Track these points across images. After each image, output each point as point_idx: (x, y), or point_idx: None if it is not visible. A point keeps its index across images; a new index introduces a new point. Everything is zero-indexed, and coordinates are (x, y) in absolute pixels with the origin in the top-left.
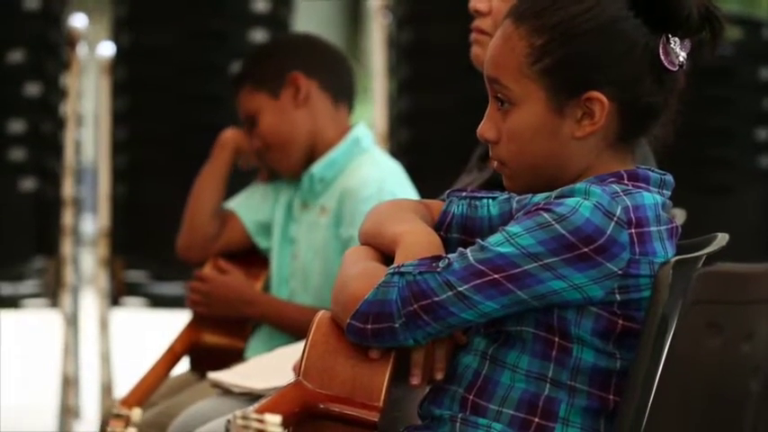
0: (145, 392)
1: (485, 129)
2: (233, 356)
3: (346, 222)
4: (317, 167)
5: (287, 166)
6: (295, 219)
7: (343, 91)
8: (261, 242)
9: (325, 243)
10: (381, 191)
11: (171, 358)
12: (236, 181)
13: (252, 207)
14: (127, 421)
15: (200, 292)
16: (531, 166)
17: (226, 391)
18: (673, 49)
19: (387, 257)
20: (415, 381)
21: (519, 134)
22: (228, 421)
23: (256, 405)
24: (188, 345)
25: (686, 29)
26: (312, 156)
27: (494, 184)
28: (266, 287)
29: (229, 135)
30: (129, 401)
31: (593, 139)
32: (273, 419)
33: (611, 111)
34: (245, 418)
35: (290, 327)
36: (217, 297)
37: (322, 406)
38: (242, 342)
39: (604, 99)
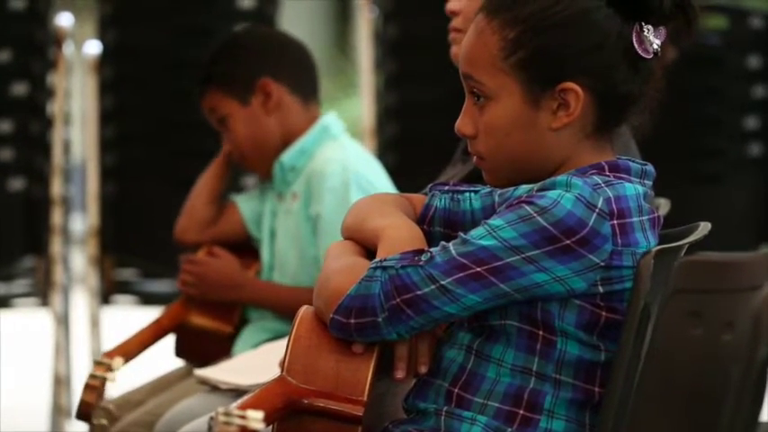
0: (126, 352)
1: (462, 124)
2: (219, 341)
3: (313, 201)
4: (287, 156)
5: (265, 168)
6: (275, 212)
7: (312, 88)
8: (256, 232)
9: (298, 226)
10: (346, 169)
11: (157, 329)
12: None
13: (250, 197)
14: (108, 367)
15: (192, 274)
16: (510, 160)
17: (213, 387)
18: (646, 36)
19: (369, 252)
20: (399, 375)
21: (496, 128)
22: (212, 418)
23: (239, 401)
24: (175, 320)
25: (659, 16)
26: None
27: (476, 177)
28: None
29: None
30: (111, 355)
31: (570, 130)
32: (256, 415)
33: (587, 101)
34: (227, 414)
35: (282, 309)
36: (208, 280)
37: (306, 401)
38: (229, 327)
39: (579, 89)
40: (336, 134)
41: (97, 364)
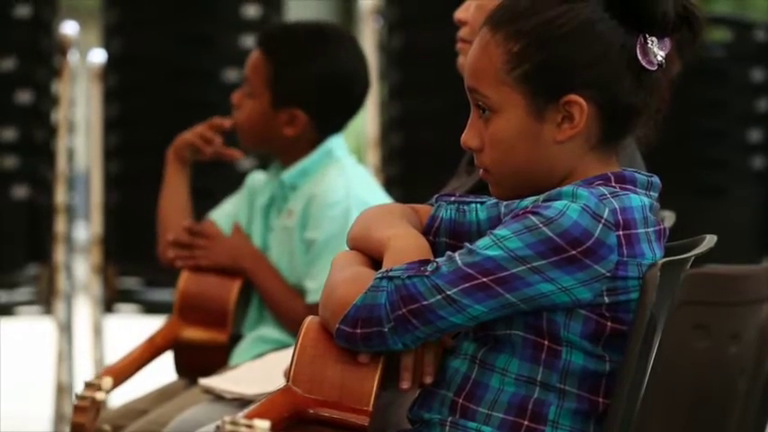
0: (118, 372)
1: (468, 137)
2: (216, 352)
3: (311, 226)
4: (288, 175)
5: (242, 147)
6: (269, 227)
7: (338, 127)
8: None
9: (292, 245)
10: (348, 196)
11: (150, 348)
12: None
13: (228, 214)
14: (98, 387)
15: (201, 245)
16: (515, 172)
17: (217, 396)
18: (650, 48)
19: (375, 262)
20: (404, 385)
21: (501, 141)
22: (218, 427)
23: (246, 410)
24: (168, 338)
25: (663, 28)
26: (270, 154)
27: (482, 188)
28: (246, 290)
29: (174, 143)
30: (101, 375)
31: (575, 143)
32: (262, 425)
33: (591, 113)
34: (234, 423)
35: (268, 295)
36: (218, 248)
37: (311, 411)
38: (223, 335)
39: (583, 102)
40: (339, 157)
41: (87, 385)
